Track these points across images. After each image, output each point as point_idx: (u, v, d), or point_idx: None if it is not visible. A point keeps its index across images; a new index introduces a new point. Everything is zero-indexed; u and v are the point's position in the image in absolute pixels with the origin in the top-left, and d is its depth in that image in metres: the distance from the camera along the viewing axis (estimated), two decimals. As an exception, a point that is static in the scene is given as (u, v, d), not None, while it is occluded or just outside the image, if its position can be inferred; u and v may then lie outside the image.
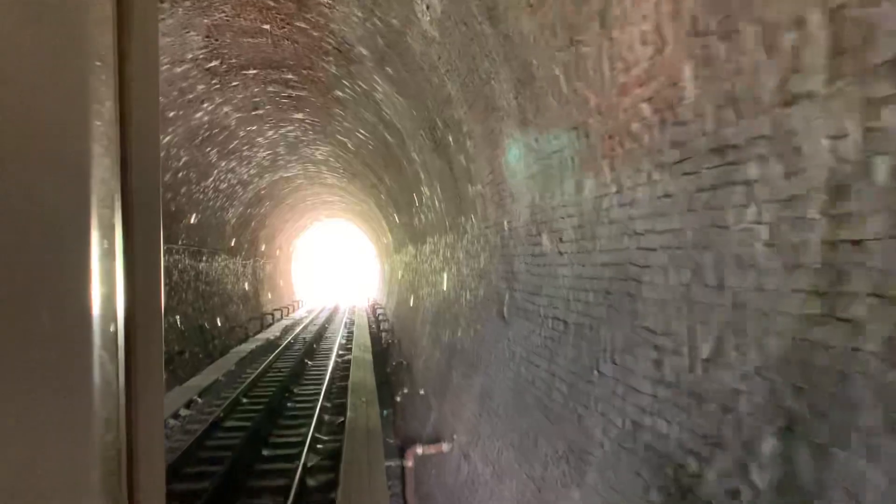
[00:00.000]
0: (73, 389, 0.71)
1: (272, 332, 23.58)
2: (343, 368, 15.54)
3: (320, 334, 23.55)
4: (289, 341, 20.91)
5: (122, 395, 0.83)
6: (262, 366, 15.73)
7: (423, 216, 12.21)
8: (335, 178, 22.43)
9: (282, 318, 29.91)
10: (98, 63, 0.76)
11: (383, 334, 20.32)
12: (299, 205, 28.77)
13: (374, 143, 13.58)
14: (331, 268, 61.75)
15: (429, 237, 11.94)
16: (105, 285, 0.77)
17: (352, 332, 23.41)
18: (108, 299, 0.79)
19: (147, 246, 0.87)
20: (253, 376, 14.26)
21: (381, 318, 24.34)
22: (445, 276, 9.77)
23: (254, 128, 15.31)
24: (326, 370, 14.59)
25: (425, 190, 10.76)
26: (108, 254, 0.78)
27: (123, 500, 0.83)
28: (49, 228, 0.67)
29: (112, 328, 0.80)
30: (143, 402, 0.85)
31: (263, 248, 28.10)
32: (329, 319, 30.21)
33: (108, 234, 0.79)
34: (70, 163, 0.71)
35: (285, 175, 21.66)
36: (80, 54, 0.72)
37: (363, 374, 12.11)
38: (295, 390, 13.54)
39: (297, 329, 24.67)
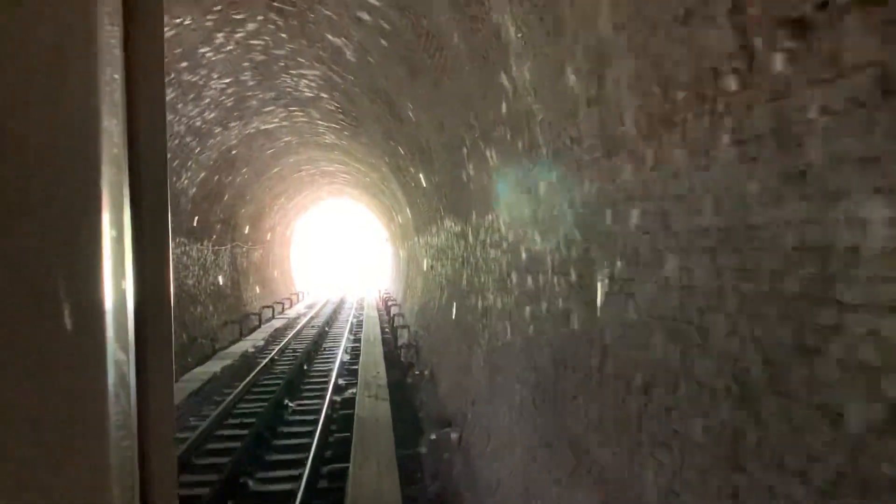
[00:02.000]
0: (89, 386, 0.69)
1: (253, 342, 17.34)
2: (342, 422, 9.29)
3: (317, 344, 17.27)
4: (271, 357, 14.65)
5: (134, 393, 0.81)
6: (212, 416, 9.51)
7: (495, 152, 5.83)
8: (333, 132, 16.01)
9: (273, 317, 23.71)
10: (105, 55, 0.73)
11: (402, 351, 14.01)
12: (292, 176, 22.42)
13: (390, 24, 7.14)
14: (337, 255, 55.49)
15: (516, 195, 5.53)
16: (116, 277, 0.76)
17: (359, 340, 17.16)
18: (120, 292, 0.77)
19: (155, 234, 0.85)
20: (187, 445, 8.06)
21: (397, 321, 18.01)
22: (600, 287, 3.42)
23: (186, 22, 8.90)
24: (311, 441, 8.27)
25: (522, 74, 4.39)
26: (118, 243, 0.77)
27: (136, 499, 0.81)
28: (59, 218, 0.66)
29: (125, 322, 0.79)
30: (154, 400, 0.84)
31: (247, 230, 21.82)
32: (332, 318, 23.94)
33: (118, 222, 0.77)
34: (79, 151, 0.69)
35: (263, 126, 15.28)
36: (87, 44, 0.69)
37: (377, 477, 5.78)
38: (249, 485, 7.31)
39: (289, 335, 18.43)
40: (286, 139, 17.08)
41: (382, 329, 19.84)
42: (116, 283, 0.75)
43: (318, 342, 17.50)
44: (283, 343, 16.73)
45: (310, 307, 29.09)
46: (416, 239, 16.27)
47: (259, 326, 20.97)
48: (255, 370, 12.94)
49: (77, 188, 0.67)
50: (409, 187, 14.30)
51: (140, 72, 0.82)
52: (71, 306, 0.66)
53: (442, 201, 10.00)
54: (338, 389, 11.57)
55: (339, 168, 22.03)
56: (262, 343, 17.28)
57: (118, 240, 0.77)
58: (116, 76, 0.78)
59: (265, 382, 12.35)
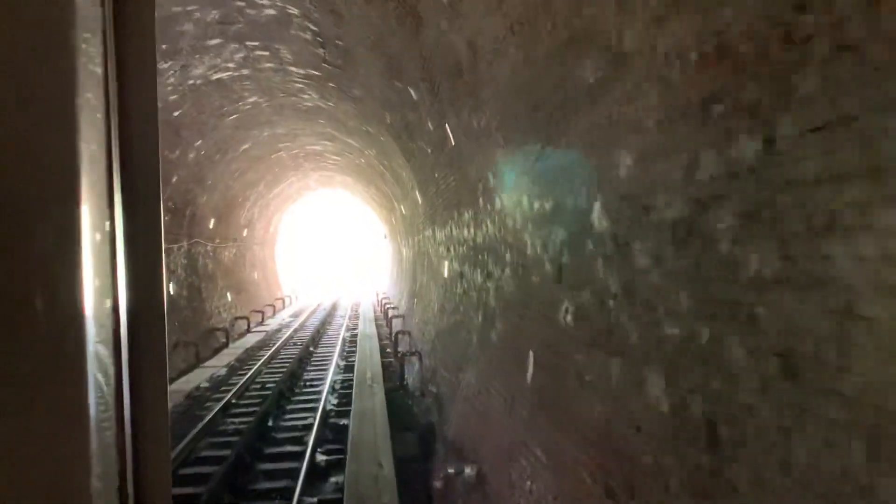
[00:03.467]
0: (73, 389, 0.66)
1: (212, 371, 12.75)
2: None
3: (296, 375, 12.61)
4: (227, 402, 10.14)
5: (128, 395, 0.79)
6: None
7: None
8: (314, 86, 11.44)
9: (249, 330, 19.15)
10: (89, 38, 0.70)
11: (414, 397, 9.48)
12: (269, 157, 17.84)
13: None
14: (330, 253, 50.88)
15: None
16: (105, 277, 0.73)
17: (351, 368, 12.65)
18: (110, 293, 0.75)
19: (148, 235, 0.83)
20: None
21: (401, 343, 13.54)
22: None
23: None
24: None
25: None
26: (108, 241, 0.75)
27: (130, 497, 0.79)
28: (43, 217, 0.62)
29: (118, 325, 0.77)
30: (148, 401, 0.83)
31: (212, 224, 17.25)
32: (320, 331, 19.35)
33: (109, 224, 0.75)
34: (59, 148, 0.64)
35: (214, 75, 10.70)
36: (69, 42, 0.66)
37: None
38: None
39: (261, 359, 13.83)
40: (251, 100, 12.51)
41: (382, 349, 15.31)
42: (110, 286, 0.73)
43: (297, 373, 12.93)
44: (249, 374, 12.16)
45: (296, 315, 24.54)
46: (428, 232, 11.73)
47: (227, 345, 16.40)
48: (192, 434, 8.37)
49: (60, 185, 0.62)
50: (421, 157, 9.77)
51: (130, 61, 0.78)
52: (59, 309, 0.62)
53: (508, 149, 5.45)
54: (314, 475, 7.06)
55: (327, 147, 17.47)
56: (223, 373, 12.73)
57: (109, 241, 0.74)
58: (98, 67, 0.73)
59: (202, 457, 7.81)
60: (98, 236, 0.70)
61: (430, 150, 8.69)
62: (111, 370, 0.75)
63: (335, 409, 9.85)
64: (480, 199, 6.34)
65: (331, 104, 12.42)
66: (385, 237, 29.13)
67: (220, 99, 11.84)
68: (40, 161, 0.62)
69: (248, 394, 10.99)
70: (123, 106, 0.78)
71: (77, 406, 0.66)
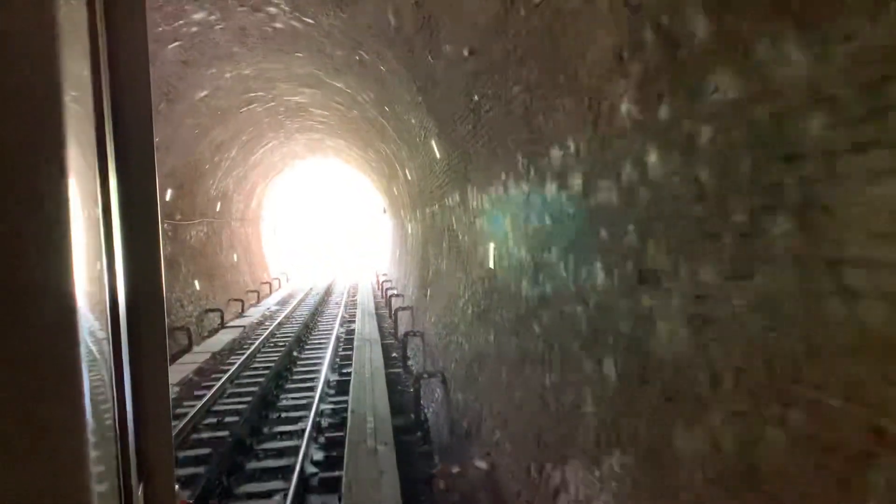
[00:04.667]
0: (72, 372, 0.62)
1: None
2: None
3: (269, 402, 9.08)
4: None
5: (129, 381, 0.77)
6: None
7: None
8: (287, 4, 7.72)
9: (223, 325, 15.63)
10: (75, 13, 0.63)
11: (454, 476, 5.93)
12: (239, 110, 14.06)
13: None
14: (326, 230, 47.17)
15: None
16: (100, 253, 0.69)
17: (345, 390, 9.21)
18: (107, 272, 0.71)
19: (144, 218, 0.79)
20: None
21: (411, 347, 10.06)
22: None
23: None
24: None
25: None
26: (105, 229, 0.71)
27: (133, 479, 0.77)
28: (33, 194, 0.57)
29: (116, 311, 0.74)
30: (149, 386, 0.81)
31: (169, 196, 13.57)
32: (309, 326, 15.61)
33: (104, 208, 0.70)
34: (51, 130, 0.58)
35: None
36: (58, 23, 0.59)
37: None
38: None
39: (227, 372, 10.33)
40: (197, 17, 8.74)
41: (387, 353, 11.81)
42: (106, 264, 0.70)
43: (272, 398, 9.37)
44: (204, 400, 8.61)
45: (284, 303, 20.97)
46: (452, 199, 8.05)
47: (190, 348, 12.90)
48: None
49: (49, 169, 0.58)
50: (446, 80, 6.10)
51: (119, 35, 0.74)
52: (54, 291, 0.59)
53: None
54: None
55: (312, 96, 13.70)
56: (175, 390, 9.26)
57: (106, 226, 0.70)
58: (82, 30, 0.67)
59: None
60: (94, 212, 0.65)
61: (466, 54, 5.01)
62: (107, 357, 0.70)
63: (319, 470, 6.37)
64: (625, 105, 2.70)
65: (308, 20, 8.67)
66: (384, 212, 25.47)
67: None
68: (24, 119, 0.56)
69: (194, 438, 7.48)
70: (114, 80, 0.73)
71: (75, 388, 0.62)
